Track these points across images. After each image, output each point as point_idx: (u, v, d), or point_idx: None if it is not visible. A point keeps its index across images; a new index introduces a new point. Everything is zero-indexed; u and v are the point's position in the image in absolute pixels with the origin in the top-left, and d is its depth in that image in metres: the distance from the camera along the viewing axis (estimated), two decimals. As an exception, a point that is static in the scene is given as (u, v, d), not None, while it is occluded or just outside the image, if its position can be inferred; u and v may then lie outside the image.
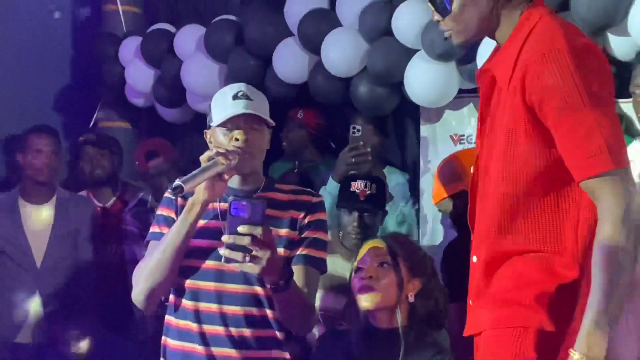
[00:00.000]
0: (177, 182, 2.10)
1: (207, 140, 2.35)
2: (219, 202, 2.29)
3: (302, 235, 2.32)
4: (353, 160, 3.40)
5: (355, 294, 2.39)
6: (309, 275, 2.30)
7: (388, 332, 2.34)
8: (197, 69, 4.58)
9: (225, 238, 2.05)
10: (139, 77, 4.92)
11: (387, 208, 3.33)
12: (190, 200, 2.23)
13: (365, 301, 2.34)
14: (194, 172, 2.15)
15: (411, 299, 2.38)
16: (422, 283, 2.40)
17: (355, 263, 2.44)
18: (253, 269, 2.07)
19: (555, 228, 1.90)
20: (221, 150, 2.21)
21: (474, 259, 2.05)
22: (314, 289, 2.34)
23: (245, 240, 2.03)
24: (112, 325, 3.86)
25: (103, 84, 5.10)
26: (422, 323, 2.42)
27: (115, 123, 5.12)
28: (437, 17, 1.97)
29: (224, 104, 2.29)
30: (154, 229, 2.36)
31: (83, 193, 4.30)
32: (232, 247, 2.05)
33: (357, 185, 3.14)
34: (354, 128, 3.49)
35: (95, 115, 5.11)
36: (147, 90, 4.94)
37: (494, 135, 1.96)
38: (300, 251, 2.31)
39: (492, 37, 1.98)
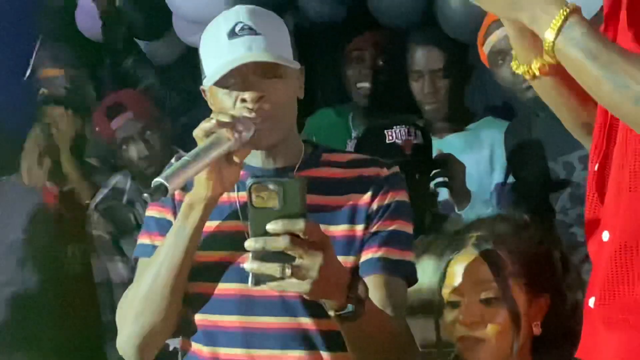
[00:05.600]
0: (158, 179, 1.61)
1: (208, 102, 1.89)
2: (237, 191, 1.83)
3: (373, 230, 1.85)
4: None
5: (455, 342, 1.92)
6: (391, 287, 1.84)
7: None
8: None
9: (249, 243, 1.57)
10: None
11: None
12: (186, 197, 1.79)
13: (472, 357, 1.88)
14: (185, 158, 1.67)
15: (537, 330, 1.89)
16: (551, 296, 1.88)
17: (447, 290, 1.90)
18: (300, 286, 1.59)
19: None
20: (224, 119, 1.74)
21: (605, 235, 1.64)
22: (401, 306, 1.86)
23: (281, 243, 1.57)
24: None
25: (45, 9, 4.23)
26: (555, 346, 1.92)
27: (61, 71, 4.24)
28: None
29: (217, 48, 1.82)
30: (143, 239, 1.92)
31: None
32: (261, 256, 1.57)
33: (396, 134, 2.40)
34: None
35: (32, 60, 4.22)
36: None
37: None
38: (373, 253, 1.83)
39: None
